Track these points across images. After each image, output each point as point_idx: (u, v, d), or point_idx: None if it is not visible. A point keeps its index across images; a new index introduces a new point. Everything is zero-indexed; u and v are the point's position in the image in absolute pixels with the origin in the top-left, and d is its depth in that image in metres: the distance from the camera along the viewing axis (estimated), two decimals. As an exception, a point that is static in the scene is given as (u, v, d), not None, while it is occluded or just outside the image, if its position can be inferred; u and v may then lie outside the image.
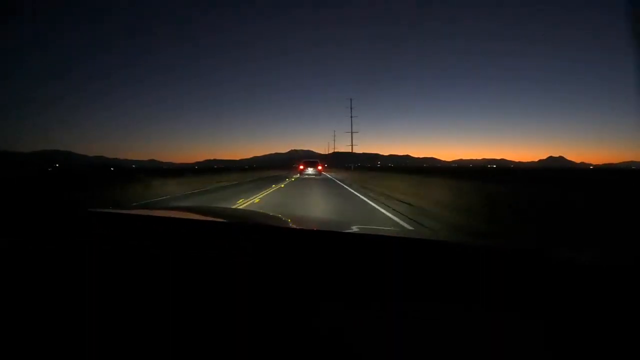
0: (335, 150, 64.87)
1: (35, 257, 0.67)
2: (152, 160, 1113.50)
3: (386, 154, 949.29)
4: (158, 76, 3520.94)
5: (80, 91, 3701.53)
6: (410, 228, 4.16)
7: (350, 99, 44.43)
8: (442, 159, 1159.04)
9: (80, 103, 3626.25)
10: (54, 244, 0.73)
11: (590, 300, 0.48)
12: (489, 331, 0.45)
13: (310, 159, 22.43)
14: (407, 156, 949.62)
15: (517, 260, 0.59)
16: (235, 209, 2.54)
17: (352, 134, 44.09)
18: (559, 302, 0.49)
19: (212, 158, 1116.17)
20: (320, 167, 21.52)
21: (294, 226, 1.02)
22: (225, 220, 1.02)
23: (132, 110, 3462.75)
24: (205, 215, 1.17)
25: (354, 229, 0.91)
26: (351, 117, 43.14)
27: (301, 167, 21.24)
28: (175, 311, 0.50)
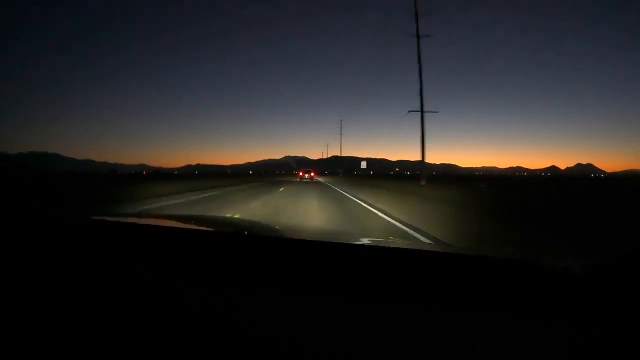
0: (333, 155, 70.18)
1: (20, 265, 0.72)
2: (142, 165, 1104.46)
3: (394, 159, 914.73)
4: (152, 80, 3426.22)
5: (70, 93, 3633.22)
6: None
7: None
8: (463, 166, 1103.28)
9: (70, 105, 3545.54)
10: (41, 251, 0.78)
11: (583, 304, 0.53)
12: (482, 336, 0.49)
13: (306, 166, 35.00)
14: (421, 162, 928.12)
15: (511, 270, 0.64)
16: (231, 218, 2.75)
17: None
18: (552, 308, 0.54)
19: (204, 163, 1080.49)
20: (313, 174, 33.87)
21: (291, 237, 1.10)
22: (218, 230, 1.11)
23: (123, 113, 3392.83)
24: (200, 225, 1.26)
25: (354, 240, 0.99)
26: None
27: (300, 173, 33.09)
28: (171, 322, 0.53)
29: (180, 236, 0.90)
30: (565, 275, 0.57)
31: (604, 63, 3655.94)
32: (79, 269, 0.71)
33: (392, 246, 0.84)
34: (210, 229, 1.17)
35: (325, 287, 0.64)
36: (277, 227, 1.40)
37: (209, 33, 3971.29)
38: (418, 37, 17.75)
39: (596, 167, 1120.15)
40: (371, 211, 7.24)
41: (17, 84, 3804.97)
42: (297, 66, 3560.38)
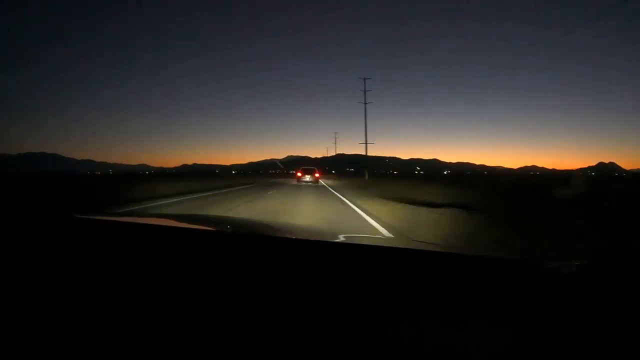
0: (338, 153, 61.08)
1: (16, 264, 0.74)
2: (143, 165, 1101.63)
3: (406, 157, 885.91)
4: (152, 78, 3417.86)
5: (69, 92, 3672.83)
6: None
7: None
8: (482, 164, 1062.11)
9: (69, 104, 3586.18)
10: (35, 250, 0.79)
11: (577, 304, 0.54)
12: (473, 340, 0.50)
13: (308, 166, 33.11)
14: (435, 160, 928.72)
15: (498, 270, 0.64)
16: (226, 217, 2.82)
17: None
18: (546, 308, 0.55)
19: (205, 163, 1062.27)
20: (317, 175, 32.80)
21: (282, 235, 1.13)
22: (215, 229, 1.13)
23: (123, 112, 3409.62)
24: (194, 224, 1.29)
25: (341, 237, 0.99)
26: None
27: (299, 174, 32.44)
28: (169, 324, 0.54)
29: (166, 234, 0.92)
30: (559, 275, 0.57)
31: (604, 58, 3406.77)
32: (64, 269, 0.72)
33: (385, 245, 0.84)
34: (197, 227, 1.19)
35: (312, 286, 0.64)
36: (265, 224, 1.44)
37: (207, 32, 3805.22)
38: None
39: (619, 166, 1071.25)
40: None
41: (14, 84, 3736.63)
42: (297, 65, 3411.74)
